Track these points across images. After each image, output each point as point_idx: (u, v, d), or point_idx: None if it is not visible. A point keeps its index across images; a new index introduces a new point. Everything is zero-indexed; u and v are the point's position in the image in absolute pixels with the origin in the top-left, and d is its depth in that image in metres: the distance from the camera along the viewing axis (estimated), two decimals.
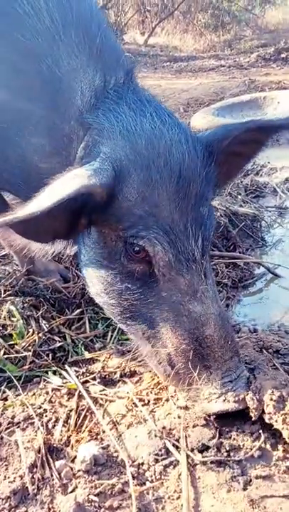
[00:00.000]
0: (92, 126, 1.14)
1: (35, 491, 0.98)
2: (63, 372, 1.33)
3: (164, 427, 1.10)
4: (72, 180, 1.02)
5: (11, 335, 1.44)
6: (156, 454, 1.02)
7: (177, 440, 1.05)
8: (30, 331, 1.46)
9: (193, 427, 1.07)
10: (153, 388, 1.27)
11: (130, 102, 1.16)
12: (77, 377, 1.33)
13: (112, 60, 1.20)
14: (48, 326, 1.50)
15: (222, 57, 8.02)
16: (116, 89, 1.18)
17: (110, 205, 1.08)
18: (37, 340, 1.43)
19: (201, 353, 1.07)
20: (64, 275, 1.80)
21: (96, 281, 1.21)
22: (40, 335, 1.45)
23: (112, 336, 1.57)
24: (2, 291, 1.59)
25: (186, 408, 1.17)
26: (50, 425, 1.13)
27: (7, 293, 1.58)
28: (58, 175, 1.05)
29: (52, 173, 1.09)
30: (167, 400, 1.22)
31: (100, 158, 1.08)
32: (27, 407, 1.20)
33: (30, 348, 1.40)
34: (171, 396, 1.22)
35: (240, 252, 2.28)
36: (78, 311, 1.64)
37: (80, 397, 1.25)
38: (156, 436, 1.07)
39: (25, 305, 1.55)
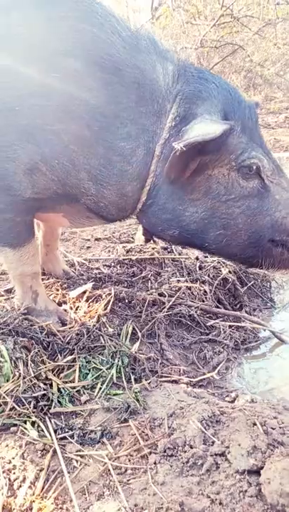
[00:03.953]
0: (181, 97, 1.40)
1: None
2: (41, 425, 1.27)
3: (135, 505, 1.01)
4: (214, 123, 1.31)
5: None
6: None
7: None
8: (17, 374, 1.42)
9: (167, 510, 0.97)
10: (132, 456, 1.19)
11: (199, 73, 1.46)
12: (56, 431, 1.26)
13: (169, 53, 1.50)
14: (35, 370, 1.46)
15: None
16: (182, 68, 1.46)
17: (225, 142, 1.37)
18: (21, 385, 1.37)
19: None
20: (62, 318, 1.76)
21: (218, 222, 1.47)
22: (26, 380, 1.40)
23: (100, 388, 1.50)
24: None
25: (164, 484, 1.08)
26: (15, 485, 1.06)
27: (0, 331, 1.56)
28: (139, 151, 1.41)
29: (135, 152, 1.41)
30: (145, 472, 1.13)
31: (208, 114, 1.36)
32: None
33: (12, 393, 1.34)
34: (150, 468, 1.13)
35: (246, 312, 2.21)
36: (70, 357, 1.58)
37: (54, 454, 1.18)
38: None
39: (17, 346, 1.51)
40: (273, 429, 1.28)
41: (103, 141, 1.39)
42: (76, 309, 1.85)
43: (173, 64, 1.47)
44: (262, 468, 1.07)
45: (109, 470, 1.13)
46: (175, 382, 1.64)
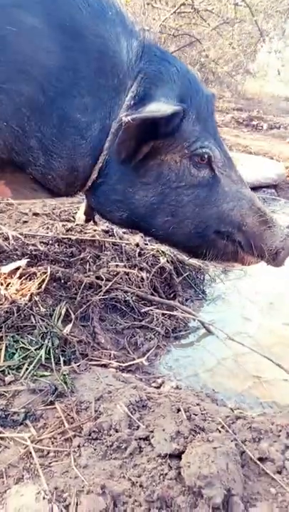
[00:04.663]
0: (142, 76, 1.37)
1: None
2: None
3: (56, 488, 0.99)
4: (166, 104, 1.31)
5: None
6: None
7: (67, 506, 0.95)
8: None
9: (88, 493, 0.97)
10: (56, 438, 1.16)
11: (162, 54, 1.44)
12: None
13: (135, 28, 1.45)
14: None
15: None
16: (147, 47, 1.42)
17: (179, 128, 1.37)
18: None
19: (261, 221, 1.50)
20: None
21: (166, 209, 1.47)
22: None
23: (27, 369, 1.45)
24: None
25: (86, 467, 1.08)
26: None
27: None
28: (95, 125, 1.36)
29: (90, 126, 1.36)
30: (68, 455, 1.11)
31: (164, 98, 1.34)
32: None
33: None
34: (73, 451, 1.12)
35: (179, 302, 2.26)
36: None
37: None
38: (44, 498, 0.96)
39: None
40: (196, 415, 1.33)
41: (58, 109, 1.31)
42: (7, 286, 1.75)
43: (138, 40, 1.41)
44: (183, 452, 1.12)
45: (30, 453, 1.09)
46: (104, 366, 1.64)
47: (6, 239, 2.12)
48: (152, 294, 2.18)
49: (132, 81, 1.38)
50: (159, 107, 1.28)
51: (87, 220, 2.16)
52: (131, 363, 1.72)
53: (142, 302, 2.09)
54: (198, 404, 1.43)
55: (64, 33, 1.27)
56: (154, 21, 7.39)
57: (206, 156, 1.44)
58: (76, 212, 2.65)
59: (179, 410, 1.34)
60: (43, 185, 1.48)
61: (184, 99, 1.40)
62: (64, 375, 1.43)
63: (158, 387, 1.65)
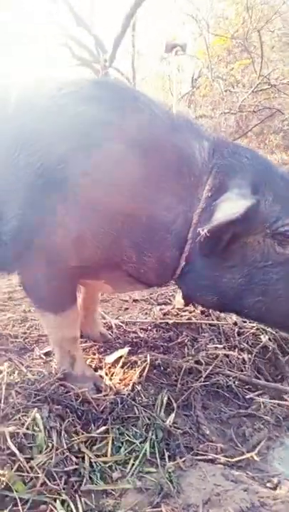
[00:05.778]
0: (216, 170, 1.50)
1: None
2: (72, 505, 1.23)
3: None
4: (239, 200, 1.38)
5: (29, 447, 1.39)
6: None
7: None
8: (50, 445, 1.41)
9: None
10: None
11: (233, 148, 1.57)
12: None
13: (205, 132, 1.63)
14: (68, 442, 1.44)
15: None
16: (217, 145, 1.57)
17: (256, 213, 1.41)
18: (54, 458, 1.36)
19: None
20: (98, 385, 1.76)
21: (256, 289, 1.47)
22: (58, 452, 1.39)
23: (133, 464, 1.45)
24: (32, 395, 1.59)
25: None
26: None
27: (37, 397, 1.58)
28: (179, 220, 1.49)
29: (174, 221, 1.49)
30: None
31: (237, 187, 1.44)
32: None
33: (44, 466, 1.33)
34: None
35: (288, 384, 2.09)
36: (103, 428, 1.56)
37: None
38: None
39: (51, 414, 1.52)
40: None
41: (146, 211, 1.49)
42: (111, 375, 1.85)
43: (209, 141, 1.58)
44: None
45: None
46: (211, 461, 1.55)
47: (110, 328, 2.28)
48: (257, 377, 2.06)
49: (207, 176, 1.51)
50: (232, 207, 1.36)
51: (186, 304, 2.23)
52: (240, 458, 1.60)
53: (246, 387, 1.98)
54: None
55: (147, 151, 1.49)
56: (233, 103, 7.92)
57: (287, 233, 1.44)
58: (172, 295, 2.75)
59: None
60: (137, 278, 1.62)
61: (258, 184, 1.47)
62: (169, 472, 1.40)
63: (274, 488, 1.49)
